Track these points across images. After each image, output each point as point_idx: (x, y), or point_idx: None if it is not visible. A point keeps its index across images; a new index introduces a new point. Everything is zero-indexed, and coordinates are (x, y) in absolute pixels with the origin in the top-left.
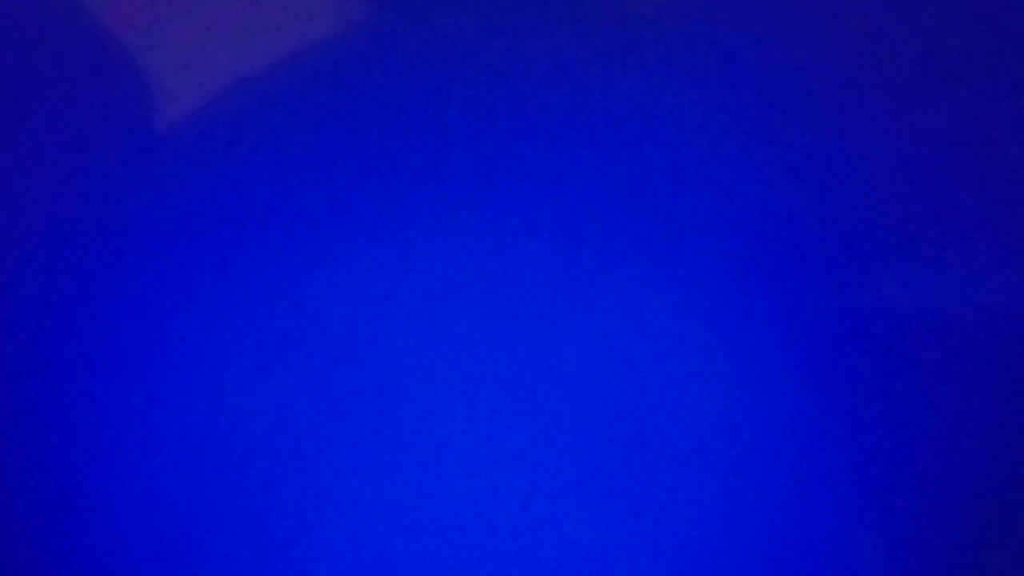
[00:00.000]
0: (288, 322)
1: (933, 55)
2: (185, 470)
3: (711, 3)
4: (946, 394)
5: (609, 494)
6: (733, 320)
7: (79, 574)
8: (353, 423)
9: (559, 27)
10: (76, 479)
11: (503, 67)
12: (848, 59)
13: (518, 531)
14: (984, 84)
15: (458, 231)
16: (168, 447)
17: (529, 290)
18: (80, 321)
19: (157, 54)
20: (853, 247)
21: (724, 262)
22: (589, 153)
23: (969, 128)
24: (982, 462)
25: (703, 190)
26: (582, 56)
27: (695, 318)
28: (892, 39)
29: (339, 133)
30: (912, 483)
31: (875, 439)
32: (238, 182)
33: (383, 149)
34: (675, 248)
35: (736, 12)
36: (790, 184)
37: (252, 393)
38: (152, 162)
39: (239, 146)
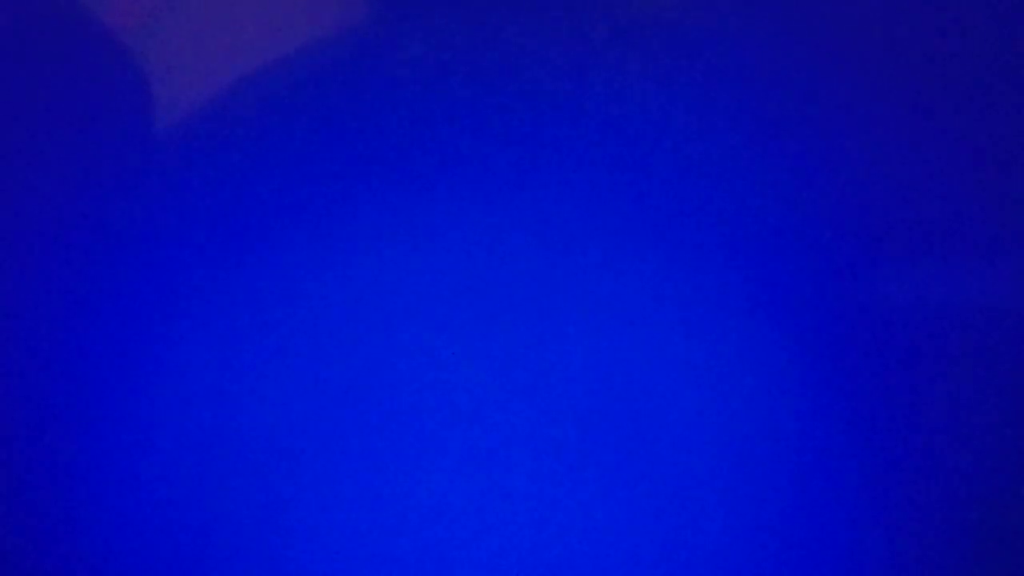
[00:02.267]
0: (289, 322)
1: (933, 55)
2: (186, 469)
3: (711, 4)
4: (948, 395)
5: (610, 494)
6: (734, 320)
7: (79, 574)
8: (353, 423)
9: (560, 27)
10: (77, 478)
11: (504, 68)
12: (848, 60)
13: (518, 531)
14: (984, 84)
15: (459, 231)
16: (167, 446)
17: (531, 290)
18: (80, 320)
19: (157, 53)
20: (853, 247)
21: (725, 262)
22: (590, 154)
23: (970, 128)
24: (984, 464)
25: (703, 190)
26: (584, 57)
27: (695, 317)
28: (894, 38)
29: (338, 133)
30: (915, 484)
31: (875, 440)
32: (238, 181)
33: (383, 149)
34: (676, 248)
35: (739, 13)
36: (791, 184)
37: (252, 393)
38: (153, 161)
39: (239, 145)
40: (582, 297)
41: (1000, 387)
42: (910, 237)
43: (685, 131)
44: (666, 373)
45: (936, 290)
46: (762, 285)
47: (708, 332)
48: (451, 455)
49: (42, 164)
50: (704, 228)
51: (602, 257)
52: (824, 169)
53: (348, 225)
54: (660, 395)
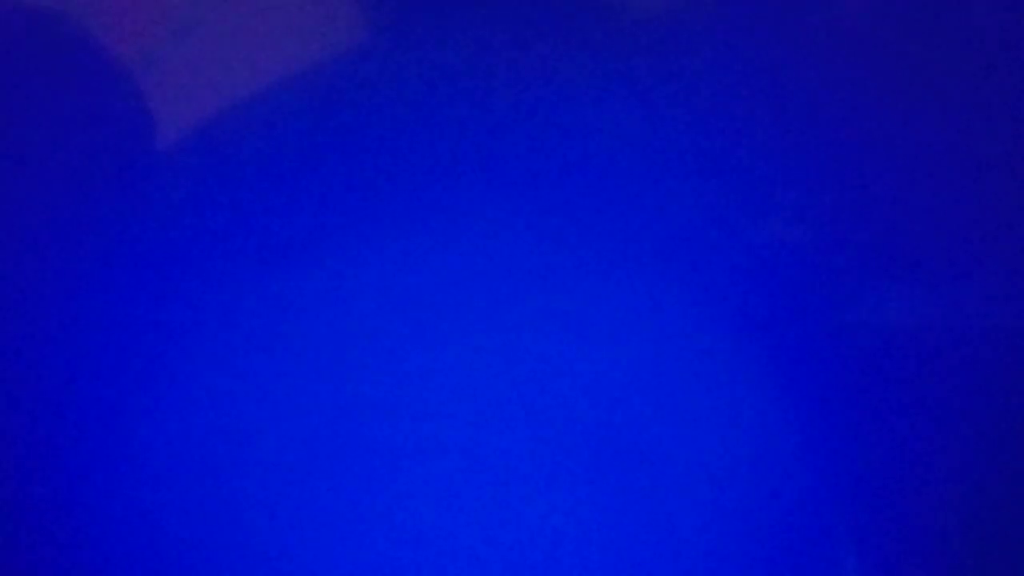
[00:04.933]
0: (288, 328)
1: (933, 62)
2: (186, 473)
3: (708, 10)
4: (940, 407)
5: (605, 499)
6: (729, 327)
7: (78, 574)
8: (352, 427)
9: (559, 35)
10: (80, 488)
11: (503, 75)
12: (847, 66)
13: (515, 535)
14: (984, 90)
15: (458, 238)
16: (169, 450)
17: (529, 298)
18: (81, 324)
19: (160, 66)
20: (846, 259)
21: (721, 269)
22: (589, 163)
23: (968, 136)
24: (980, 480)
25: (701, 199)
26: (584, 67)
27: (693, 325)
28: (892, 44)
29: (337, 140)
30: (907, 497)
31: (865, 450)
32: (237, 188)
33: (382, 158)
34: (673, 257)
35: (736, 17)
36: (790, 192)
37: (252, 399)
38: (156, 170)
39: (240, 154)
40: (578, 307)
41: (997, 402)
42: (903, 250)
43: (683, 141)
44: (660, 379)
45: (928, 305)
46: (756, 294)
47: (704, 340)
48: (447, 460)
49: (48, 173)
50: (701, 238)
51: (599, 266)
52: (821, 178)
53: (344, 231)
54: (655, 401)
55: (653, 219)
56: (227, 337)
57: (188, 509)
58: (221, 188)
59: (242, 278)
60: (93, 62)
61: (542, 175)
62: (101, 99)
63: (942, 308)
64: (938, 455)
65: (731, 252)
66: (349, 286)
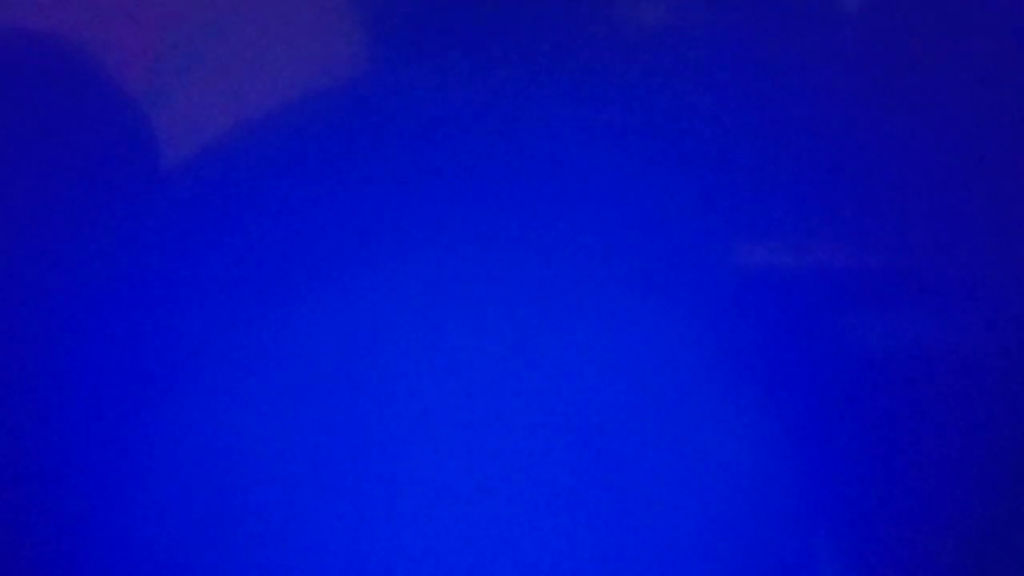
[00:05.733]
0: (289, 334)
1: (933, 70)
2: (192, 480)
3: (715, 24)
4: (929, 424)
5: (599, 501)
6: (727, 337)
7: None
8: (351, 430)
9: (565, 49)
10: (90, 493)
11: (501, 88)
12: (846, 80)
13: (513, 539)
14: (985, 105)
15: (456, 247)
16: (172, 455)
17: (531, 309)
18: (89, 330)
19: (163, 82)
20: (844, 269)
21: (719, 280)
22: (591, 176)
23: (970, 149)
24: (978, 501)
25: (700, 211)
26: (592, 84)
27: (690, 335)
28: (891, 53)
29: (341, 144)
30: (902, 505)
31: (862, 458)
32: (240, 197)
33: (382, 167)
34: (671, 268)
35: (738, 33)
36: (787, 201)
37: (253, 405)
38: (163, 180)
39: (243, 163)
40: (580, 317)
41: (981, 424)
42: (899, 261)
43: (683, 154)
44: (659, 389)
45: (921, 315)
46: (752, 306)
47: (702, 351)
48: (448, 466)
49: (55, 187)
50: (699, 249)
51: (599, 281)
52: (819, 191)
53: (341, 236)
54: (652, 411)
55: (653, 232)
56: (230, 345)
57: (191, 515)
58: (223, 196)
59: (245, 286)
60: (104, 80)
61: (544, 189)
62: (109, 112)
63: (934, 321)
64: (931, 465)
65: (729, 263)
66: (348, 292)
